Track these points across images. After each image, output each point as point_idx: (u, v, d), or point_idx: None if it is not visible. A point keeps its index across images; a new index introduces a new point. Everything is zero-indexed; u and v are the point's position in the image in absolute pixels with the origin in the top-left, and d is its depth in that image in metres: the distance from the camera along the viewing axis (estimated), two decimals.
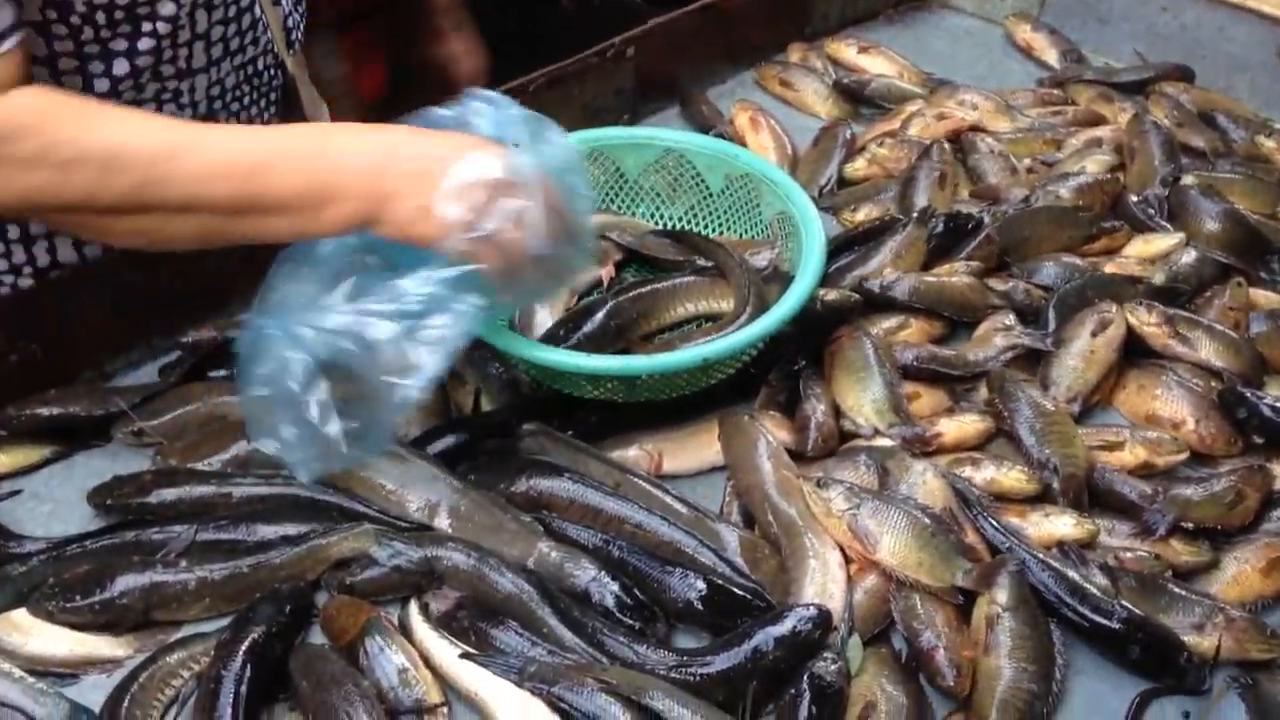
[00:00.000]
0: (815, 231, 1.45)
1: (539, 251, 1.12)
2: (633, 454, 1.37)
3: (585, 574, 1.19)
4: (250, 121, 1.57)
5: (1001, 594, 1.16)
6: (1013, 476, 1.31)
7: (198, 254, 1.48)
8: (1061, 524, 1.26)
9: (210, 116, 1.47)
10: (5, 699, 1.11)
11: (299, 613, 1.15)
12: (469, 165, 1.09)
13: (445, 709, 1.09)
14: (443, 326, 1.11)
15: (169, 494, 1.26)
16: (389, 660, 1.11)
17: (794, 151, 1.92)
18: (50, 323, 1.39)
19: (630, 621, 1.17)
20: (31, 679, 1.13)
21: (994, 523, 1.25)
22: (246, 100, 1.53)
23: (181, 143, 1.10)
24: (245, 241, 1.16)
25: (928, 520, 1.22)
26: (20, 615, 1.19)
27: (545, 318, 1.52)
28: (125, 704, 1.09)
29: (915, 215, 1.65)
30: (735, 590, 1.19)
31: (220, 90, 1.47)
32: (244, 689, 1.08)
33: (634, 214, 1.67)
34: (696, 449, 1.39)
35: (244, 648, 1.09)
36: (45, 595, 1.19)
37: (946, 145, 1.83)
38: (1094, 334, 1.46)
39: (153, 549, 1.21)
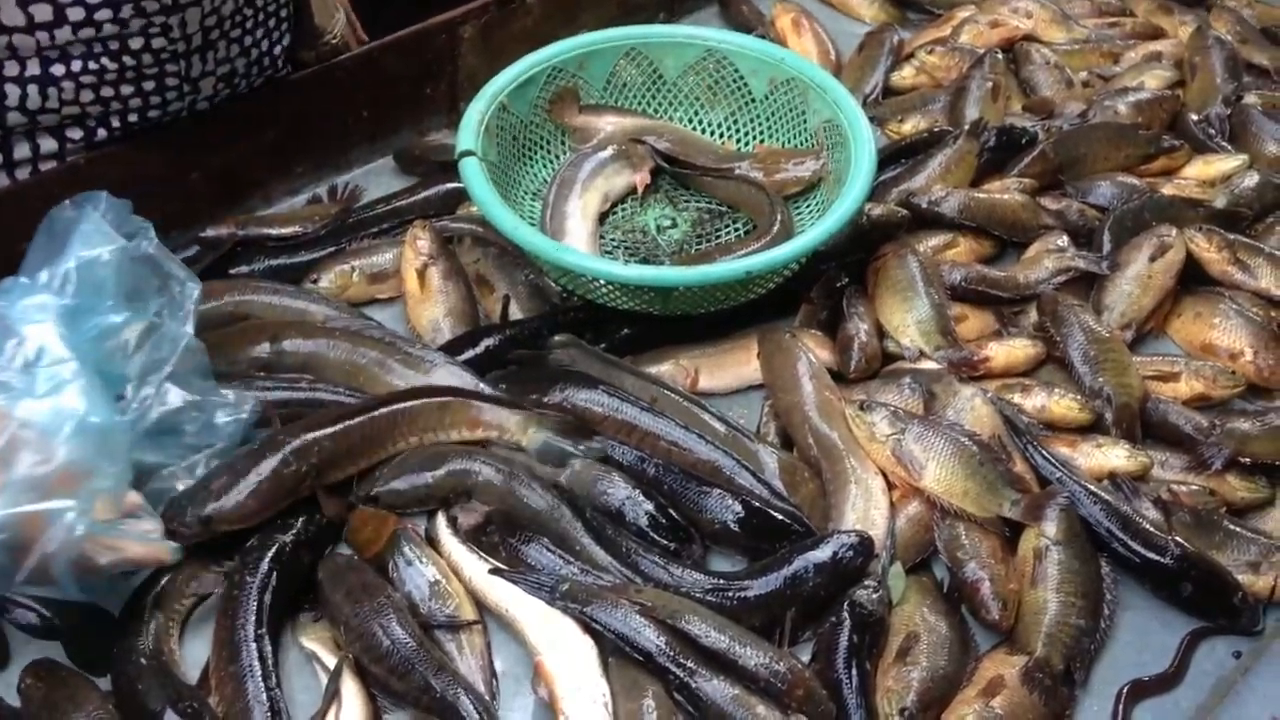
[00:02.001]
0: (865, 141, 1.38)
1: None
2: (667, 369, 1.33)
3: (619, 492, 1.15)
4: (257, 47, 1.48)
5: (1050, 527, 1.12)
6: (1064, 404, 1.26)
7: (218, 146, 1.43)
8: (1114, 455, 1.21)
9: (209, 47, 1.39)
10: (22, 598, 1.08)
11: (329, 523, 1.11)
12: None
13: (480, 626, 1.06)
14: None
15: None
16: (420, 573, 1.07)
17: (838, 57, 1.84)
18: None
19: (665, 542, 1.13)
20: None
21: (1044, 452, 1.20)
22: (250, 24, 1.43)
23: None
24: None
25: (975, 448, 1.17)
26: None
27: (578, 224, 1.46)
28: (146, 607, 1.06)
29: (966, 128, 1.58)
30: (774, 514, 1.15)
31: (217, 20, 1.37)
32: (268, 597, 1.05)
33: (671, 118, 1.60)
34: (734, 366, 1.34)
35: (270, 554, 1.06)
36: None
37: (1000, 55, 1.75)
38: (1152, 259, 1.40)
39: None
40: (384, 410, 1.16)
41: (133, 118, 1.38)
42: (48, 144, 1.37)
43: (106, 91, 1.34)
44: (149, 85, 1.37)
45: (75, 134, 1.37)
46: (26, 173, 1.38)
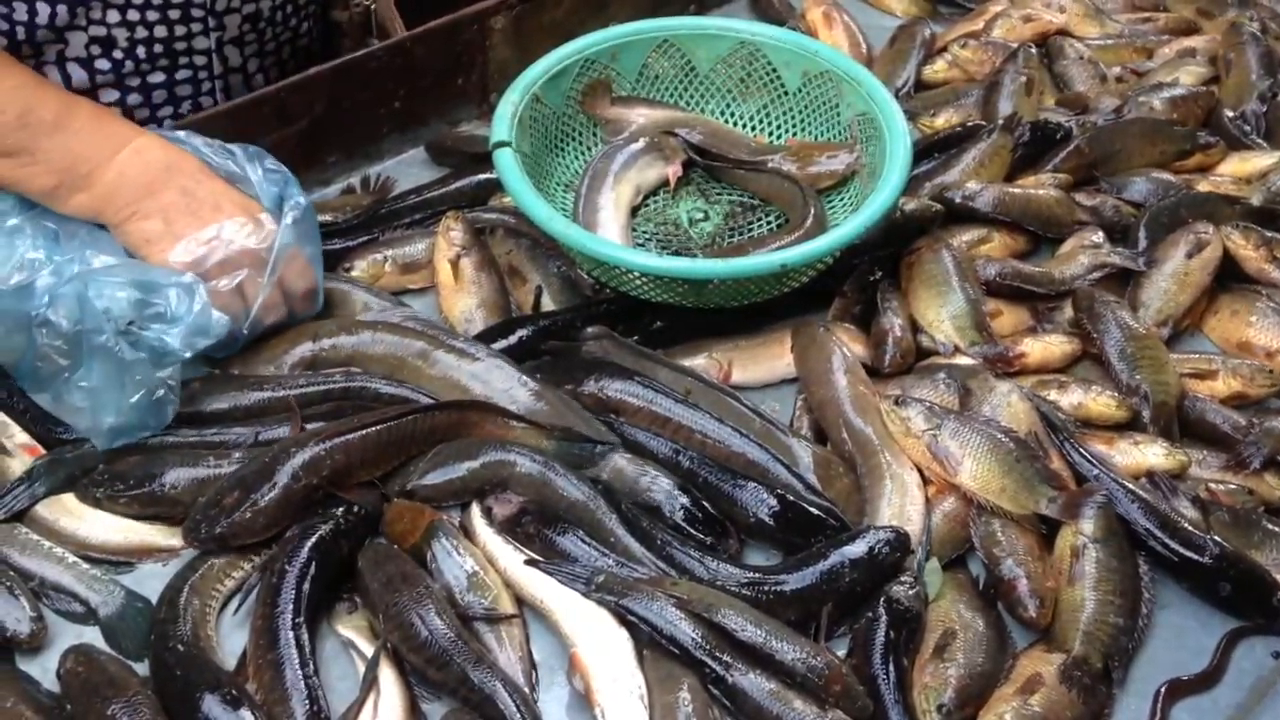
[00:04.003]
0: (901, 135, 1.38)
1: (248, 319, 1.22)
2: (700, 363, 1.32)
3: (655, 484, 1.15)
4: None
5: (1088, 524, 1.11)
6: (1102, 401, 1.25)
7: (253, 134, 1.43)
8: (1151, 453, 1.21)
9: None
10: (60, 584, 1.09)
11: (368, 513, 1.11)
12: (233, 227, 1.19)
13: (518, 619, 1.06)
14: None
15: (219, 403, 1.22)
16: (458, 565, 1.07)
17: (869, 51, 1.83)
18: None
19: (701, 536, 1.13)
20: (86, 565, 1.11)
21: (1082, 450, 1.19)
22: None
23: None
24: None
25: (1012, 444, 1.16)
26: (72, 500, 1.16)
27: (610, 215, 1.45)
28: (184, 594, 1.06)
29: (1000, 122, 1.57)
30: (809, 508, 1.15)
31: None
32: (307, 586, 1.05)
33: (703, 111, 1.59)
34: (768, 359, 1.33)
35: (310, 543, 1.06)
36: (94, 481, 1.16)
37: (1034, 49, 1.74)
38: (1189, 255, 1.39)
39: (213, 447, 1.17)
40: (398, 422, 1.15)
41: (158, 48, 1.42)
42: (79, 74, 1.42)
43: (132, 15, 1.38)
44: (174, 14, 1.40)
45: (104, 64, 1.41)
46: None
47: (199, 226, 1.18)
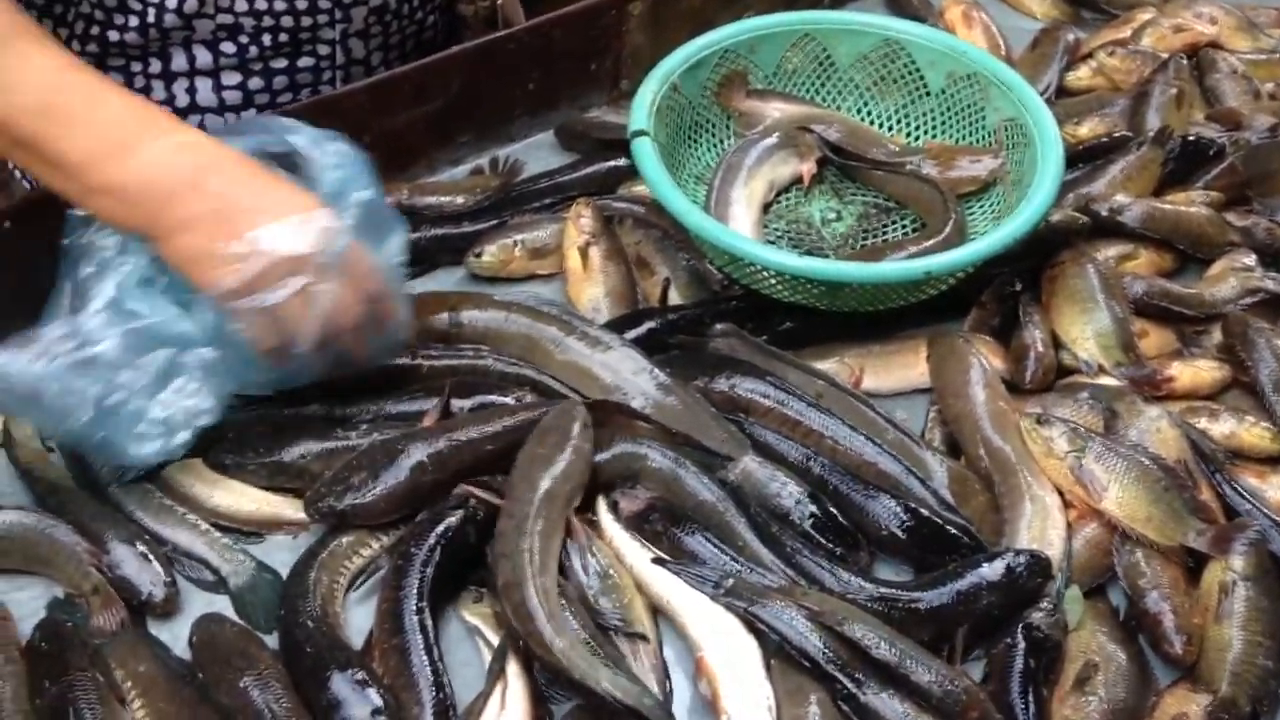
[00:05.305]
0: (1054, 143, 1.33)
1: (322, 337, 1.04)
2: (831, 366, 1.29)
3: (789, 494, 1.12)
4: None
5: (1239, 561, 1.07)
6: (1255, 433, 1.20)
7: (390, 112, 1.44)
8: None
9: None
10: (191, 551, 1.10)
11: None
12: (273, 232, 1.00)
13: (649, 642, 1.04)
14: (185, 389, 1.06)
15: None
16: (590, 562, 1.06)
17: (1008, 53, 1.77)
18: None
19: (831, 546, 1.10)
20: (217, 533, 1.12)
21: (1233, 483, 1.14)
22: None
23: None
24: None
25: (1160, 472, 1.12)
26: (204, 466, 1.16)
27: (742, 210, 1.43)
28: (313, 569, 1.06)
29: (1151, 135, 1.51)
30: (944, 525, 1.12)
31: None
32: (432, 571, 1.04)
33: (839, 108, 1.55)
34: (901, 368, 1.30)
35: (438, 530, 1.05)
36: (222, 447, 1.16)
37: (1184, 60, 1.67)
38: None
39: (342, 420, 1.17)
40: (529, 416, 1.14)
41: (283, 37, 1.42)
42: (203, 56, 1.42)
43: (260, 4, 1.38)
44: (302, 5, 1.40)
45: (229, 48, 1.41)
46: (184, 87, 1.43)
47: (235, 238, 1.00)
